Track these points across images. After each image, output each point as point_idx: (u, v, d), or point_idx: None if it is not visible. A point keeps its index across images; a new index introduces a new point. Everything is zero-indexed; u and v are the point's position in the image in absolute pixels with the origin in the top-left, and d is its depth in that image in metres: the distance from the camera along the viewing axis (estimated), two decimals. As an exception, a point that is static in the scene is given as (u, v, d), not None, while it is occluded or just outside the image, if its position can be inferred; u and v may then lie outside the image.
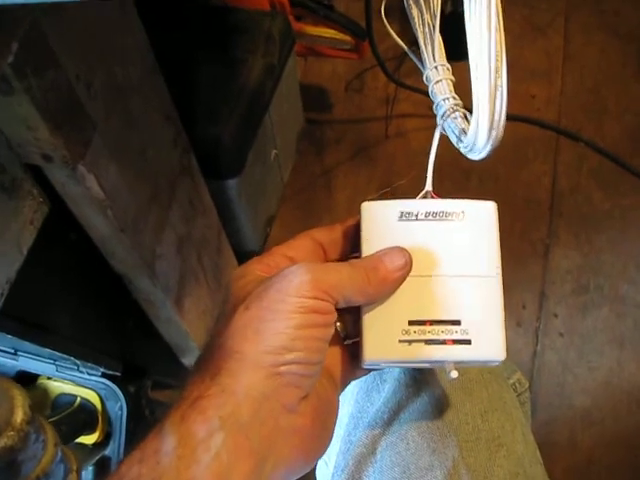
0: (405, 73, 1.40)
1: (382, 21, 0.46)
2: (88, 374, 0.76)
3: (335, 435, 0.58)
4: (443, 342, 0.39)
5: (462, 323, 0.39)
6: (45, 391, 0.79)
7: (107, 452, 0.81)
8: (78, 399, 0.79)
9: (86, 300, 0.73)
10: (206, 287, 0.91)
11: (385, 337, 0.39)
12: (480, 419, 0.53)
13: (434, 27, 0.40)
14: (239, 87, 1.01)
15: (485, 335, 0.39)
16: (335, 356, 0.41)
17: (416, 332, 0.39)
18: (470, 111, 0.36)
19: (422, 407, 0.53)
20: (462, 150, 0.39)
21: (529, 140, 1.42)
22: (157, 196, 0.70)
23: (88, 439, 0.80)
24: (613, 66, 1.50)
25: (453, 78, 0.40)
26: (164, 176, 0.71)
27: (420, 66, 0.41)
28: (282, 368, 0.35)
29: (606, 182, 1.37)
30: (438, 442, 0.51)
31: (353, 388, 0.59)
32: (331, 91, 1.50)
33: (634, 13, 1.54)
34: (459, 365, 0.40)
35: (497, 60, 0.32)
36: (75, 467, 0.53)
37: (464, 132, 0.38)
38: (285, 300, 0.35)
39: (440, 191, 0.42)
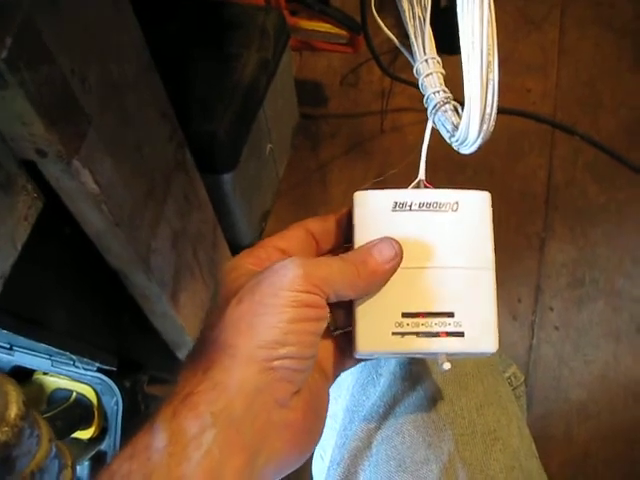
0: (400, 67, 1.40)
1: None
2: (84, 369, 0.76)
3: (331, 429, 0.58)
4: (436, 334, 0.39)
5: (455, 315, 0.39)
6: (41, 386, 0.79)
7: (103, 447, 0.81)
8: (74, 394, 0.79)
9: (81, 295, 0.73)
10: (201, 282, 0.91)
11: (378, 329, 0.39)
12: (476, 413, 0.53)
13: (424, 20, 0.40)
14: (234, 82, 1.01)
15: (478, 327, 0.39)
16: (326, 349, 0.41)
17: (409, 324, 0.39)
18: (461, 104, 0.36)
19: (418, 401, 0.53)
20: (453, 144, 0.39)
21: (525, 134, 1.42)
22: (152, 191, 0.70)
23: (84, 434, 0.80)
24: (608, 60, 1.50)
25: (443, 71, 0.40)
26: (159, 171, 0.71)
27: (410, 59, 0.41)
28: (275, 363, 0.35)
29: (601, 176, 1.38)
30: (434, 436, 0.51)
31: (349, 382, 0.59)
32: (326, 85, 1.50)
33: (629, 6, 1.54)
34: (452, 357, 0.40)
35: (489, 54, 0.32)
36: (70, 462, 0.53)
37: (455, 126, 0.38)
38: (278, 294, 0.35)
39: (434, 184, 0.42)
